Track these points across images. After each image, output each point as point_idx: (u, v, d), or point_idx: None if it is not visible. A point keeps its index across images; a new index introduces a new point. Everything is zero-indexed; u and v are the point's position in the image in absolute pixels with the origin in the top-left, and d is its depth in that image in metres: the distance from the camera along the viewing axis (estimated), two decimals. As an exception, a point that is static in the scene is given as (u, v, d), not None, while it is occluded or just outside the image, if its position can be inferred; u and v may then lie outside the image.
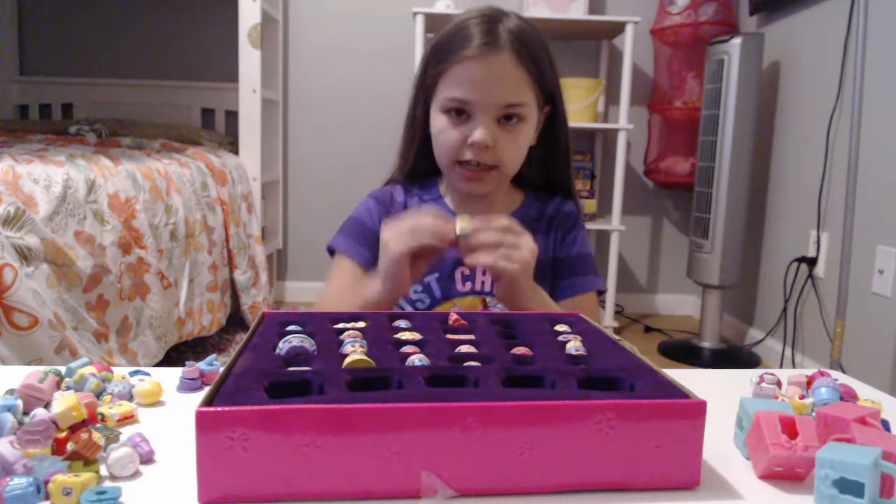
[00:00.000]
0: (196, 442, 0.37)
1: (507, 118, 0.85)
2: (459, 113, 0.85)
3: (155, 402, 0.55)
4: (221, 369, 0.45)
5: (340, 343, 0.52)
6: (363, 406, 0.38)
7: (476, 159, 0.85)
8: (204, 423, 0.37)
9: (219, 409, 0.38)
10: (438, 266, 0.89)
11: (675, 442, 0.41)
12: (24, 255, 1.28)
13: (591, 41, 2.85)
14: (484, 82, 0.83)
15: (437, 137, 0.88)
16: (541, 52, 0.86)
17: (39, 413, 0.47)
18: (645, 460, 0.41)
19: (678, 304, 3.04)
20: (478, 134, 0.83)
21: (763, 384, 0.59)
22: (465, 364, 0.49)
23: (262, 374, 0.44)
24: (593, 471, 0.41)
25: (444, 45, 0.86)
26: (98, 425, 0.47)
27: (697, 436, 0.41)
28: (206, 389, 0.43)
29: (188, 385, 0.58)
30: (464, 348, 0.52)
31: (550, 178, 0.98)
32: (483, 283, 0.90)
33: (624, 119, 2.52)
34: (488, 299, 0.90)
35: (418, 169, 0.96)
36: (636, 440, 0.41)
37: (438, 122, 0.87)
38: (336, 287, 0.90)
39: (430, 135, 0.90)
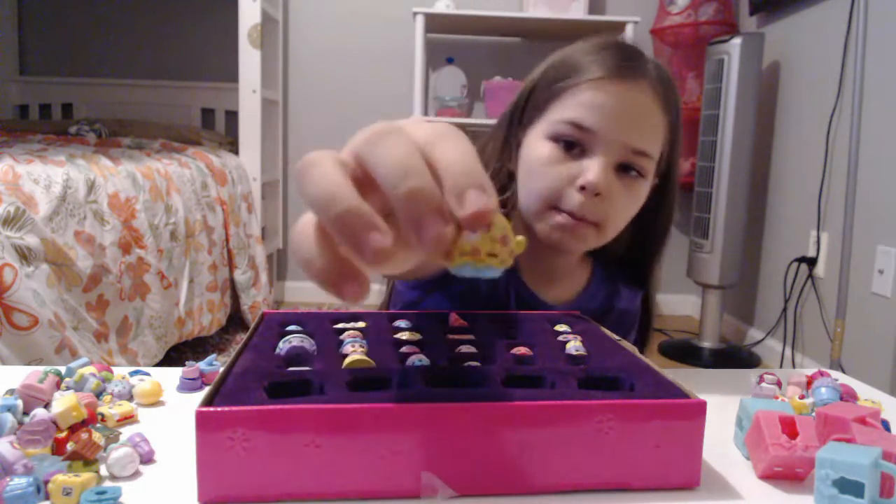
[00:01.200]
0: (196, 442, 0.37)
1: (627, 169, 0.68)
2: (571, 147, 0.68)
3: (155, 402, 0.54)
4: (221, 369, 0.45)
5: (340, 343, 0.52)
6: (363, 406, 0.38)
7: (579, 210, 0.67)
8: (204, 422, 0.37)
9: (219, 409, 0.38)
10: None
11: (675, 442, 0.41)
12: (24, 255, 1.28)
13: (591, 41, 2.85)
14: (618, 113, 0.66)
15: (534, 170, 0.70)
16: (679, 105, 0.72)
17: (39, 413, 0.47)
18: (645, 460, 0.41)
19: (678, 304, 3.04)
20: (591, 174, 0.66)
21: (763, 384, 0.59)
22: (466, 364, 0.49)
23: (262, 374, 0.44)
24: (593, 471, 0.41)
25: (569, 63, 0.70)
26: (98, 425, 0.47)
27: (697, 436, 0.41)
28: (206, 389, 0.43)
29: (188, 385, 0.58)
30: (464, 348, 0.52)
31: (631, 260, 0.81)
32: None
33: (624, 119, 2.52)
34: None
35: None
36: (636, 440, 0.41)
37: (540, 150, 0.70)
38: None
39: (518, 171, 0.74)
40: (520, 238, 0.33)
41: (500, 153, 0.77)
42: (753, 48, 2.28)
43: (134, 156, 2.10)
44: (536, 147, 0.71)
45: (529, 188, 0.71)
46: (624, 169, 0.68)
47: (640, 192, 0.71)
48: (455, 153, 0.30)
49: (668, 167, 0.75)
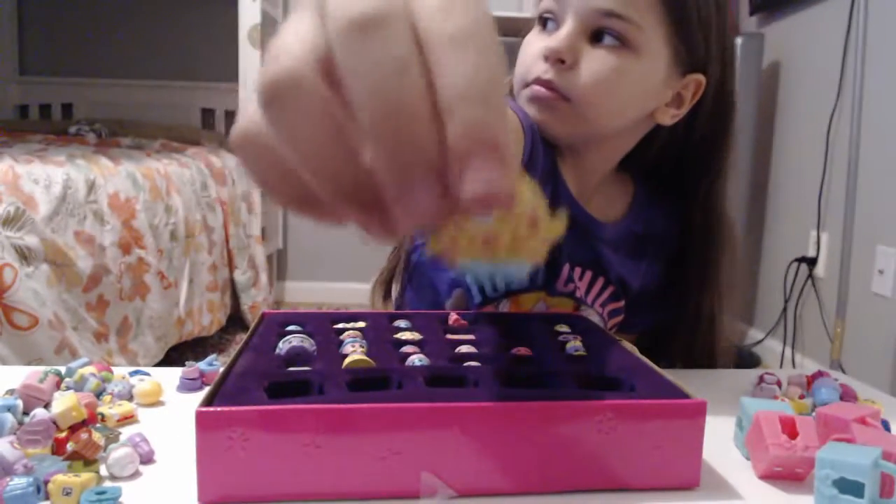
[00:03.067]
0: (196, 442, 0.37)
1: (600, 35, 0.62)
2: (547, 24, 0.65)
3: (155, 402, 0.54)
4: (221, 369, 0.45)
5: (340, 343, 0.52)
6: (363, 406, 0.38)
7: (542, 81, 0.63)
8: (204, 422, 0.37)
9: (218, 409, 0.38)
10: (553, 250, 0.72)
11: (674, 442, 0.41)
12: (24, 255, 1.28)
13: (591, 41, 2.85)
14: None
15: (520, 54, 0.68)
16: None
17: (39, 413, 0.47)
18: (644, 460, 0.41)
19: (678, 304, 3.04)
20: (552, 39, 0.62)
21: (763, 384, 0.59)
22: (465, 364, 0.49)
23: (262, 374, 0.44)
24: (593, 471, 0.41)
25: None
26: (98, 425, 0.47)
27: (697, 436, 0.41)
28: (206, 389, 0.43)
29: (188, 385, 0.58)
30: (464, 348, 0.52)
31: (673, 177, 0.74)
32: (580, 288, 0.73)
33: (624, 119, 2.52)
34: (583, 307, 0.73)
35: None
36: (636, 440, 0.41)
37: (528, 36, 0.68)
38: None
39: None
40: (556, 219, 0.24)
41: None
42: (753, 48, 2.28)
43: (134, 156, 2.10)
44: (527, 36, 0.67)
45: (514, 76, 0.68)
46: (599, 35, 0.62)
47: (627, 65, 0.62)
48: (467, 73, 0.19)
49: (704, 54, 0.66)
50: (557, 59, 0.61)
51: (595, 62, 0.62)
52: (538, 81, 0.63)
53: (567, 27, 0.62)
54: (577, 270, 0.71)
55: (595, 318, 0.73)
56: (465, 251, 0.21)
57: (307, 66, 0.20)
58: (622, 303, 0.75)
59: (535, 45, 0.65)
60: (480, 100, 0.19)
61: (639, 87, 0.64)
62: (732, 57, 0.69)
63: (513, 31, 0.80)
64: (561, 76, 0.62)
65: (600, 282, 0.73)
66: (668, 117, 0.68)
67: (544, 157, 0.65)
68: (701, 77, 0.67)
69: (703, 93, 0.68)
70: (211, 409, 0.38)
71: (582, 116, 0.63)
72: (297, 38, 0.20)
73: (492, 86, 0.19)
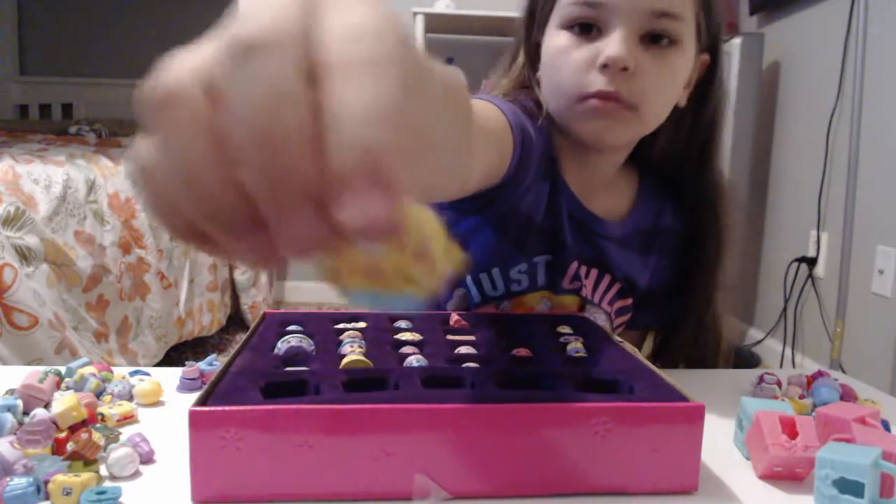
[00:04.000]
0: (189, 441, 0.37)
1: (655, 38, 0.60)
2: (587, 29, 0.62)
3: (155, 402, 0.54)
4: (219, 369, 0.45)
5: (339, 343, 0.52)
6: (357, 407, 0.38)
7: (606, 93, 0.60)
8: (197, 422, 0.37)
9: (212, 408, 0.38)
10: (552, 248, 0.68)
11: (673, 446, 0.41)
12: (24, 255, 1.28)
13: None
14: None
15: (553, 64, 0.64)
16: None
17: (39, 413, 0.47)
18: (642, 464, 0.41)
19: (678, 304, 3.04)
20: (612, 48, 0.59)
21: (763, 384, 0.59)
22: (464, 365, 0.49)
23: (259, 374, 0.44)
24: (589, 474, 0.40)
25: None
26: (98, 425, 0.47)
27: (696, 440, 0.41)
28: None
29: (188, 385, 0.58)
30: (463, 349, 0.52)
31: (680, 167, 0.72)
32: (586, 287, 0.71)
33: (624, 119, 2.52)
34: (588, 306, 0.72)
35: None
36: (633, 443, 0.40)
37: (556, 42, 0.63)
38: None
39: (542, 76, 0.67)
40: (452, 253, 0.22)
41: (531, 63, 0.70)
42: (753, 48, 2.28)
43: (134, 156, 2.10)
44: (552, 40, 0.64)
45: (553, 86, 0.65)
46: (651, 39, 0.61)
47: (677, 61, 0.62)
48: (361, 98, 0.18)
49: (714, 37, 0.66)
50: (622, 68, 0.59)
51: (655, 66, 0.60)
52: (601, 95, 0.60)
53: (620, 32, 0.59)
54: (584, 269, 0.70)
55: (602, 317, 0.73)
56: (349, 280, 0.20)
57: (192, 79, 0.19)
58: (630, 300, 0.75)
59: (579, 55, 0.61)
60: (372, 123, 0.18)
61: (682, 79, 0.65)
62: (722, 38, 0.69)
63: (512, 31, 0.79)
64: (625, 85, 0.60)
65: (606, 279, 0.72)
66: (684, 98, 0.67)
67: (541, 157, 0.64)
68: (707, 56, 0.67)
69: (710, 73, 0.68)
70: (204, 408, 0.38)
71: (643, 121, 0.63)
72: (195, 53, 0.20)
73: (392, 112, 0.18)
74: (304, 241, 0.19)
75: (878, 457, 0.38)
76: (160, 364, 1.84)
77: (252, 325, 0.57)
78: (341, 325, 0.58)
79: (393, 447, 0.38)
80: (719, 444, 0.49)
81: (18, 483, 0.37)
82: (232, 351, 0.49)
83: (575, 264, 0.70)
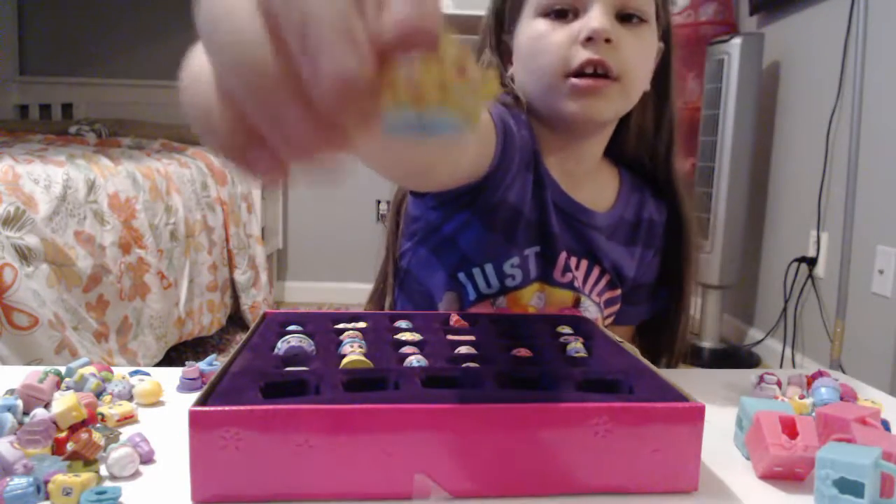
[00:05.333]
0: (189, 441, 0.37)
1: (626, 18, 0.65)
2: (562, 14, 0.65)
3: (155, 403, 0.54)
4: (218, 369, 0.45)
5: (339, 343, 0.52)
6: (357, 407, 0.38)
7: (595, 61, 0.63)
8: (197, 422, 0.37)
9: (212, 408, 0.38)
10: (540, 239, 0.70)
11: (673, 446, 0.41)
12: (24, 255, 1.28)
13: (591, 41, 2.85)
14: None
15: (533, 50, 0.67)
16: None
17: (39, 413, 0.47)
18: (642, 464, 0.41)
19: (678, 304, 3.04)
20: (595, 20, 0.62)
21: (763, 384, 0.59)
22: (464, 365, 0.49)
23: (259, 373, 0.44)
24: (589, 474, 0.40)
25: None
26: (98, 425, 0.47)
27: (696, 440, 0.41)
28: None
29: (188, 385, 0.58)
30: (463, 349, 0.52)
31: (651, 154, 0.76)
32: (577, 278, 0.73)
33: (624, 119, 2.52)
34: (582, 298, 0.74)
35: None
36: (633, 443, 0.40)
37: (534, 29, 0.66)
38: None
39: (516, 68, 0.70)
40: (489, 78, 0.22)
41: (501, 61, 0.73)
42: (753, 48, 2.28)
43: (134, 156, 2.10)
44: (528, 30, 0.67)
45: (534, 71, 0.67)
46: (624, 18, 0.65)
47: (649, 37, 0.67)
48: None
49: (664, 30, 0.71)
50: (605, 39, 0.62)
51: (631, 39, 0.65)
52: (589, 62, 0.63)
53: (598, 9, 0.63)
54: (574, 260, 0.72)
55: (593, 309, 0.74)
56: (390, 105, 0.20)
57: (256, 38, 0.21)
58: (619, 291, 0.76)
59: (559, 35, 0.64)
60: None
61: (652, 55, 0.69)
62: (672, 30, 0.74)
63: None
64: (611, 54, 0.63)
65: (596, 271, 0.74)
66: (647, 81, 0.71)
67: (523, 147, 0.66)
68: (661, 44, 0.72)
69: (665, 61, 0.73)
70: (204, 408, 0.38)
71: (626, 93, 0.66)
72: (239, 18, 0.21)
73: None
74: (338, 73, 0.19)
75: (878, 457, 0.38)
76: (160, 364, 1.84)
77: (252, 326, 0.57)
78: (341, 325, 0.58)
79: (393, 447, 0.38)
80: (719, 445, 0.49)
81: (18, 483, 0.37)
82: (232, 351, 0.49)
83: (564, 255, 0.71)
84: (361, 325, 0.58)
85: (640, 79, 0.67)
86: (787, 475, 0.43)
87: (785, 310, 2.29)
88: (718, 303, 2.44)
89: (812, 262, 2.17)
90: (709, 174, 2.36)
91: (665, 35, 0.71)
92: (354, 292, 2.86)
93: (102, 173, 1.65)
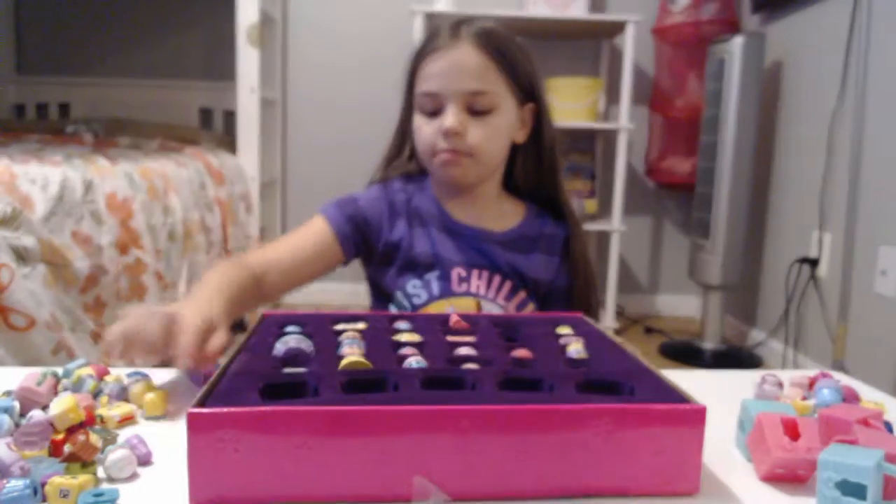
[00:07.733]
0: (188, 443, 0.37)
1: (477, 111, 0.88)
2: (434, 113, 0.89)
3: (161, 415, 0.52)
4: (217, 370, 0.45)
5: (338, 344, 0.52)
6: (355, 408, 0.38)
7: (449, 146, 0.87)
8: (195, 424, 0.37)
9: (210, 410, 0.38)
10: (438, 264, 0.91)
11: (674, 448, 0.40)
12: (21, 255, 1.28)
13: (592, 40, 2.85)
14: (446, 71, 0.87)
15: (416, 136, 0.92)
16: (509, 45, 0.90)
17: (36, 415, 0.47)
18: (643, 466, 0.40)
19: (679, 305, 3.04)
20: (446, 121, 0.86)
21: (765, 385, 0.59)
22: (463, 367, 0.48)
23: (258, 375, 0.44)
24: (589, 476, 0.40)
25: (417, 50, 0.92)
26: (96, 427, 0.47)
27: (697, 442, 0.41)
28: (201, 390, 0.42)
29: (197, 380, 0.58)
30: (463, 350, 0.52)
31: (539, 185, 0.98)
32: (478, 286, 0.91)
33: (625, 119, 2.51)
34: (483, 302, 0.90)
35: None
36: (634, 445, 0.40)
37: (416, 123, 0.91)
38: (288, 236, 0.95)
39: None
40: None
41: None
42: (755, 47, 2.27)
43: (131, 156, 2.09)
44: (415, 122, 0.92)
45: (419, 149, 0.93)
46: (476, 111, 0.87)
47: (496, 122, 0.89)
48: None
49: (530, 89, 0.92)
50: (454, 133, 0.86)
51: (480, 128, 0.88)
52: (445, 151, 0.88)
53: (452, 109, 0.87)
54: (475, 272, 0.91)
55: (496, 310, 0.90)
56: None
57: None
58: (524, 293, 0.93)
59: (429, 128, 0.89)
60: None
61: (506, 130, 0.91)
62: (544, 88, 0.96)
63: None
64: (460, 143, 0.87)
65: (497, 278, 0.92)
66: (521, 136, 0.94)
67: (391, 211, 0.94)
68: (533, 104, 0.93)
69: (539, 114, 0.94)
70: (203, 410, 0.38)
71: (480, 163, 0.90)
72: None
73: None
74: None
75: (881, 459, 0.38)
76: (159, 364, 1.83)
77: (251, 326, 0.56)
78: (340, 326, 0.58)
79: (392, 449, 0.38)
80: (721, 446, 0.48)
81: (15, 485, 0.37)
82: (231, 351, 0.49)
83: (457, 270, 0.91)
84: (361, 325, 0.58)
85: (490, 153, 0.90)
86: (789, 477, 0.43)
87: (787, 311, 2.28)
88: (720, 303, 2.44)
89: (814, 262, 2.17)
90: (710, 174, 2.35)
91: (531, 93, 0.92)
92: (354, 293, 2.86)
93: (100, 173, 1.64)
